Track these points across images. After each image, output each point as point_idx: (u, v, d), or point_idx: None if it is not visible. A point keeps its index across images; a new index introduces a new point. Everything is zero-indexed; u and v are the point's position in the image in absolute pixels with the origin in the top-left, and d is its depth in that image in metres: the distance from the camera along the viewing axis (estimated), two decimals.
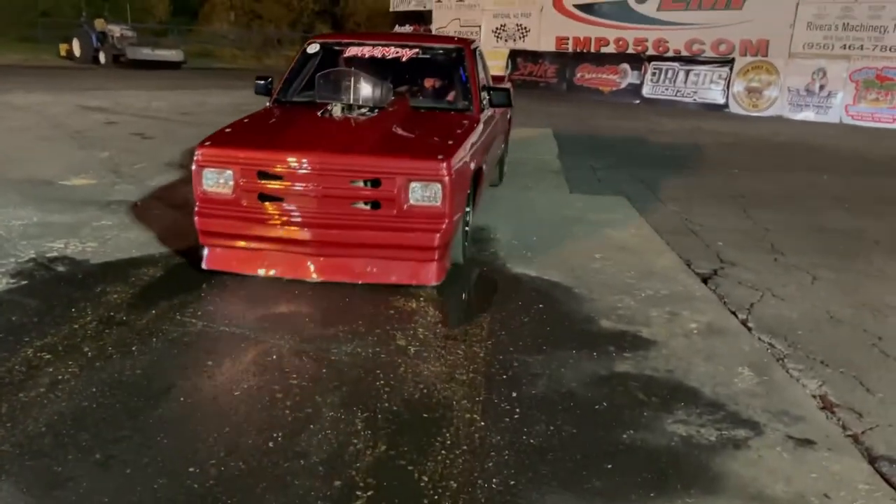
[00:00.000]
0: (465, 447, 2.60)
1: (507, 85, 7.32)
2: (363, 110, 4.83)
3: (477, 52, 5.84)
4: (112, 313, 3.62)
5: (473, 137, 4.58)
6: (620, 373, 3.24)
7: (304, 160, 3.94)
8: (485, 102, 5.28)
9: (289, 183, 3.97)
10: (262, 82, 5.44)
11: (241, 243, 4.14)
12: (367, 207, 4.02)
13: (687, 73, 17.00)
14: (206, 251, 4.20)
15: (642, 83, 17.80)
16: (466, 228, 4.65)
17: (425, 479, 2.40)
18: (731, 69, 16.18)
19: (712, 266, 4.84)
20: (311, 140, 4.20)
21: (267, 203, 4.03)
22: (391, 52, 5.48)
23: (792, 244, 5.47)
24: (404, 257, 4.08)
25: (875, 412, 2.97)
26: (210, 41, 33.11)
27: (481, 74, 5.70)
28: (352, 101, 4.85)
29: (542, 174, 7.98)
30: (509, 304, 4.02)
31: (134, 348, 3.27)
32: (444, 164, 3.91)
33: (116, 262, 4.41)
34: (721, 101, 16.31)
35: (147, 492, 2.30)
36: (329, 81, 4.99)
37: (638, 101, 17.51)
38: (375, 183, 3.97)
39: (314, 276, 4.10)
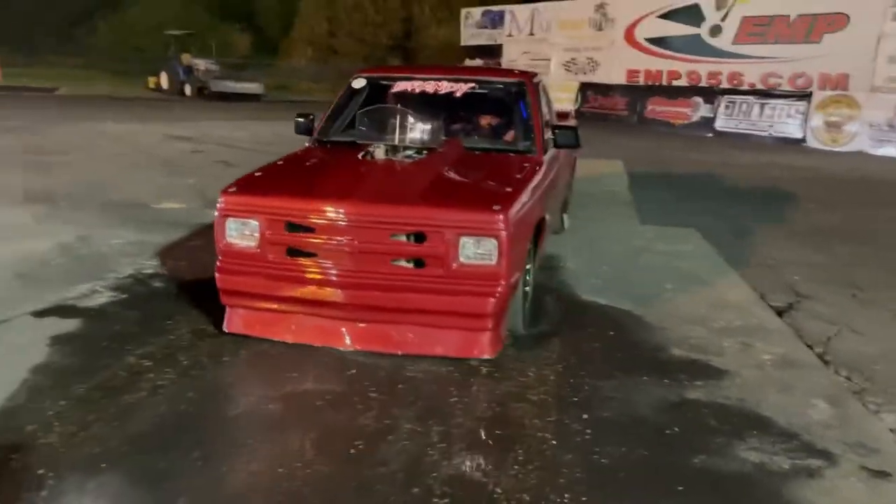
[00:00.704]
0: (537, 463, 2.69)
1: (573, 122, 6.80)
2: (409, 152, 4.28)
3: (540, 87, 5.27)
4: (203, 326, 3.87)
5: (535, 183, 4.05)
6: (692, 400, 3.27)
7: (338, 210, 3.43)
8: (549, 142, 4.76)
9: (320, 236, 3.46)
10: (303, 120, 4.95)
11: (266, 304, 3.63)
12: (410, 266, 3.48)
13: (762, 106, 16.73)
14: (227, 312, 3.74)
15: (715, 116, 17.60)
16: (527, 289, 4.00)
17: (499, 490, 2.50)
18: (808, 103, 15.84)
19: (788, 299, 4.79)
20: (346, 187, 3.65)
21: (296, 259, 3.54)
22: (444, 87, 4.90)
23: (871, 279, 5.35)
24: (453, 325, 3.50)
25: None
26: (288, 75, 34.43)
27: (545, 111, 5.11)
28: (397, 142, 4.32)
29: (612, 205, 8.01)
30: (580, 330, 4.09)
31: (225, 358, 3.50)
32: (501, 217, 3.35)
33: (207, 279, 4.68)
34: (798, 135, 15.96)
35: (240, 489, 2.47)
36: (372, 120, 4.52)
37: (710, 135, 17.31)
38: (419, 238, 3.42)
39: (348, 344, 3.58)
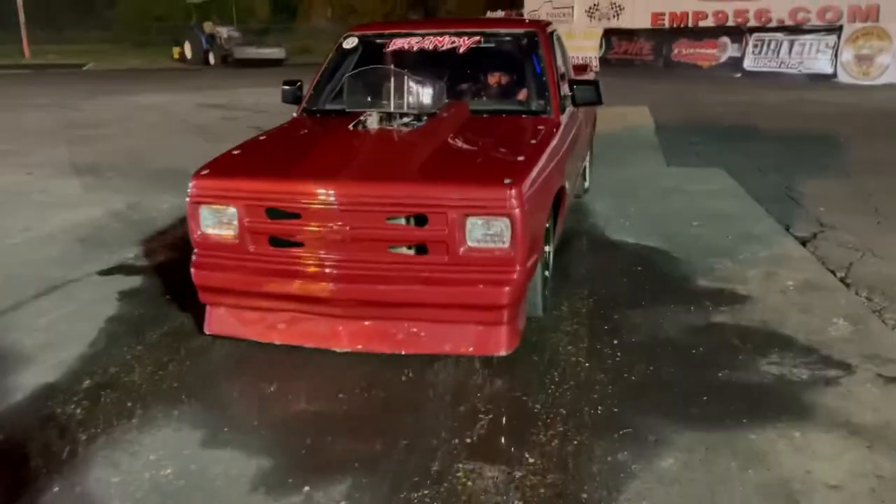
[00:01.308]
0: (571, 383, 2.92)
1: (593, 74, 6.40)
2: (407, 119, 3.85)
3: (554, 38, 4.69)
4: None
5: (552, 148, 3.55)
6: (716, 323, 3.47)
7: (325, 191, 2.97)
8: (566, 100, 4.24)
9: (307, 223, 3.02)
10: (290, 88, 4.50)
11: (250, 302, 3.23)
12: (411, 253, 3.06)
13: (791, 43, 16.43)
14: (207, 311, 3.35)
15: (743, 56, 17.33)
16: (546, 273, 3.57)
17: (538, 406, 2.75)
18: (838, 37, 15.53)
19: (812, 230, 4.93)
20: (334, 164, 3.22)
21: (280, 249, 3.12)
22: (445, 42, 4.39)
23: None
24: (461, 319, 3.05)
25: None
26: (308, 37, 34.43)
27: (560, 65, 4.59)
28: (393, 109, 3.86)
29: (639, 149, 8.11)
30: (609, 267, 4.30)
31: None
32: (514, 191, 2.86)
33: None
34: (829, 70, 15.70)
35: (304, 412, 2.76)
36: (363, 84, 4.02)
37: (739, 75, 17.08)
38: (420, 220, 2.97)
39: (344, 344, 3.14)
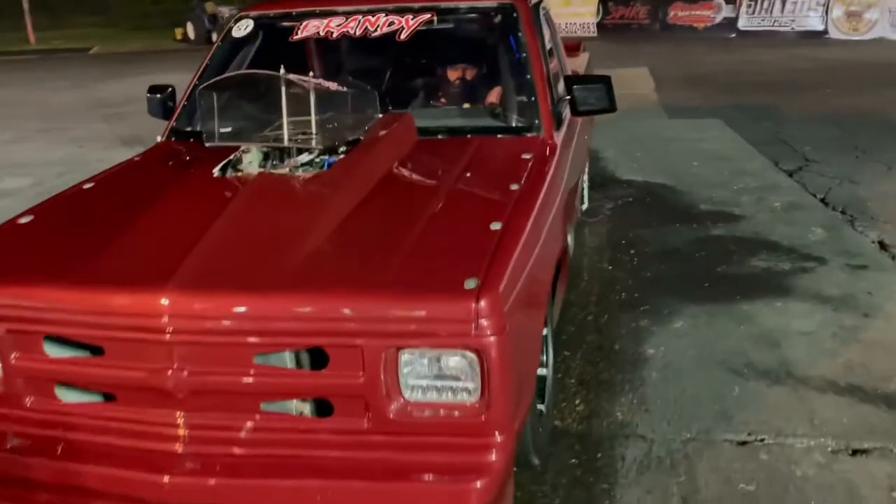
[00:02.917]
0: (597, 281, 3.62)
1: (585, 54, 5.13)
2: (307, 157, 2.44)
3: (541, 14, 3.35)
4: None
5: (545, 196, 2.29)
6: (715, 235, 4.17)
7: (145, 307, 1.70)
8: (562, 107, 2.97)
9: (116, 363, 1.77)
10: (158, 96, 3.14)
11: (23, 494, 1.84)
12: (304, 413, 1.83)
13: (784, 2, 16.93)
14: None
15: (737, 16, 17.82)
16: (541, 408, 2.24)
17: (573, 296, 3.44)
18: None
19: (798, 164, 5.60)
20: (168, 252, 1.86)
21: (75, 407, 1.86)
22: (381, 23, 2.93)
23: (875, 145, 6.10)
24: None
25: None
26: None
27: (553, 56, 3.33)
28: (286, 141, 2.42)
29: (641, 106, 8.74)
30: (623, 199, 4.97)
31: None
32: (485, 303, 1.62)
33: None
34: (820, 27, 16.22)
35: None
36: (229, 100, 2.62)
37: (734, 35, 17.58)
38: (319, 358, 1.74)
39: None
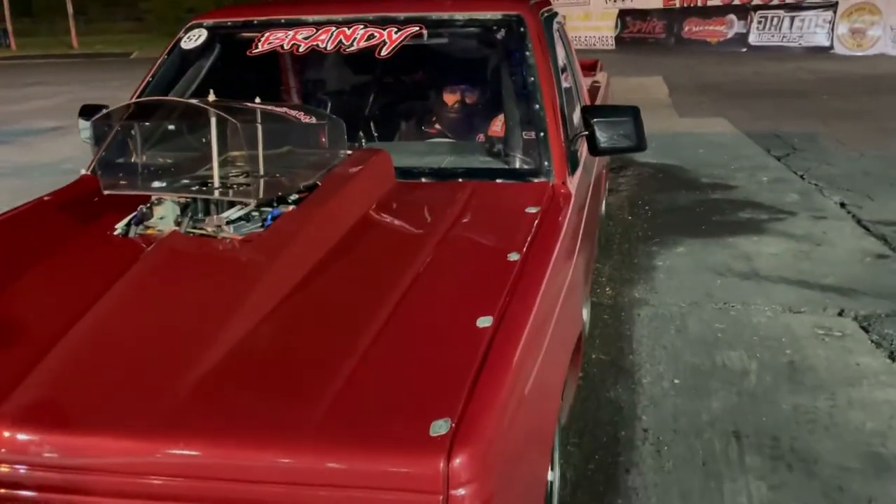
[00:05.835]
0: (620, 226, 4.75)
1: (605, 77, 4.81)
2: (237, 211, 1.83)
3: (555, 30, 2.84)
4: None
5: (552, 265, 1.74)
6: (712, 198, 5.30)
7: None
8: (577, 145, 2.44)
9: None
10: (90, 121, 2.30)
11: None
12: None
13: (792, 19, 18.05)
14: None
15: (748, 32, 18.96)
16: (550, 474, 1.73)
17: (602, 240, 4.56)
18: (834, 12, 17.16)
19: (786, 151, 6.71)
20: (16, 361, 1.33)
21: None
22: (358, 35, 2.41)
23: (854, 138, 7.20)
24: None
25: (869, 207, 4.90)
26: None
27: (567, 79, 2.83)
28: (214, 192, 1.84)
29: (655, 107, 9.86)
30: (640, 175, 6.11)
31: None
32: (463, 461, 1.08)
33: None
34: (826, 43, 17.32)
35: None
36: (147, 134, 2.09)
37: (745, 50, 18.71)
38: None
39: None
